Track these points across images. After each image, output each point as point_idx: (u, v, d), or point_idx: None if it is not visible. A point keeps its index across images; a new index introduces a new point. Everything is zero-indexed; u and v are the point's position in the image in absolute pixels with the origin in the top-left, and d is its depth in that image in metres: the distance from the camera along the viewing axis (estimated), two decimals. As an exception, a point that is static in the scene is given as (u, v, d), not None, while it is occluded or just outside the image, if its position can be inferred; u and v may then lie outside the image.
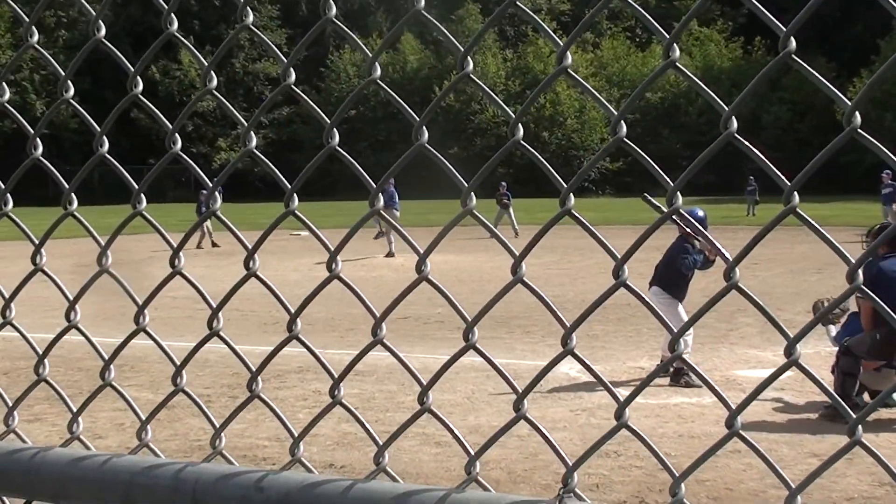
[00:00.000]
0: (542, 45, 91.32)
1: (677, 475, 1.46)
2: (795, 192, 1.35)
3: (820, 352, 13.09)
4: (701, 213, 13.63)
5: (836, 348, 11.34)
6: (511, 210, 40.84)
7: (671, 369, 13.00)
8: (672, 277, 13.25)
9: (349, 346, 15.32)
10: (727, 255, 1.50)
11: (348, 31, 1.77)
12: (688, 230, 12.68)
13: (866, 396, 11.35)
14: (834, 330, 11.85)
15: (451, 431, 1.67)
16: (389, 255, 30.11)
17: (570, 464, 1.50)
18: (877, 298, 1.39)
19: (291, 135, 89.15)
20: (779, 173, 1.39)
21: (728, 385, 12.55)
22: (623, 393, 11.89)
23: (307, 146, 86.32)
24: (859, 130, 1.32)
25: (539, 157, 1.59)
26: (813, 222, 1.37)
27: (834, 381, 10.89)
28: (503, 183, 42.51)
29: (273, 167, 1.91)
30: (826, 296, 12.39)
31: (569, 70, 1.52)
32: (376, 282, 23.98)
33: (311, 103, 1.91)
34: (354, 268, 26.38)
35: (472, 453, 1.64)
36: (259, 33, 1.89)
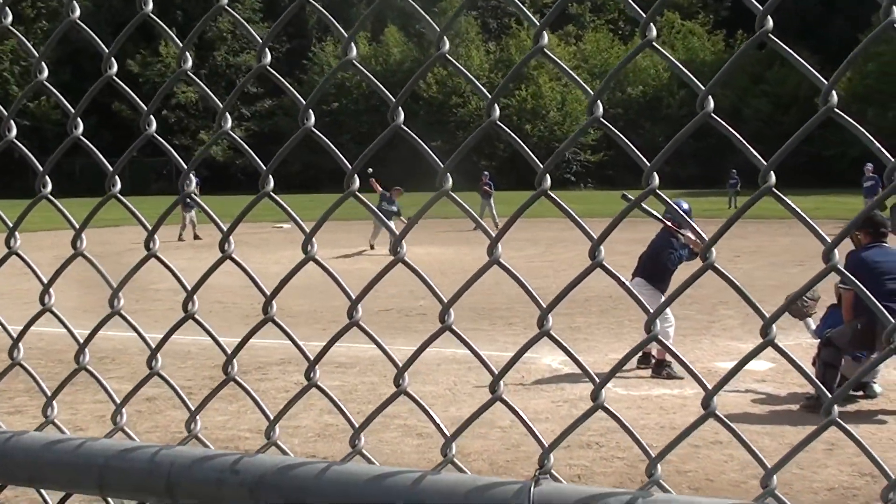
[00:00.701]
0: (525, 38, 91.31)
1: (653, 456, 1.46)
2: (772, 172, 1.35)
3: (801, 343, 13.12)
4: (685, 206, 13.63)
5: (817, 340, 11.37)
6: (492, 201, 40.75)
7: (653, 361, 13.06)
8: (656, 270, 13.25)
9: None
10: (704, 236, 1.49)
11: (324, 12, 1.76)
12: (670, 224, 12.69)
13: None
14: (813, 323, 11.87)
15: (427, 414, 1.66)
16: (371, 247, 30.02)
17: (546, 445, 1.50)
18: (859, 284, 1.39)
19: (273, 127, 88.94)
20: (754, 152, 1.38)
21: (710, 377, 12.42)
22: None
23: (289, 138, 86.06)
24: (836, 110, 1.31)
25: (514, 136, 1.58)
26: (789, 202, 1.37)
27: (815, 373, 10.91)
28: (485, 173, 42.54)
29: (248, 149, 1.89)
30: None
31: (545, 50, 1.51)
32: (359, 273, 23.95)
33: (286, 83, 1.89)
34: (336, 261, 26.35)
35: (448, 435, 1.63)
36: (233, 13, 1.87)
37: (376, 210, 1.78)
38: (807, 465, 8.73)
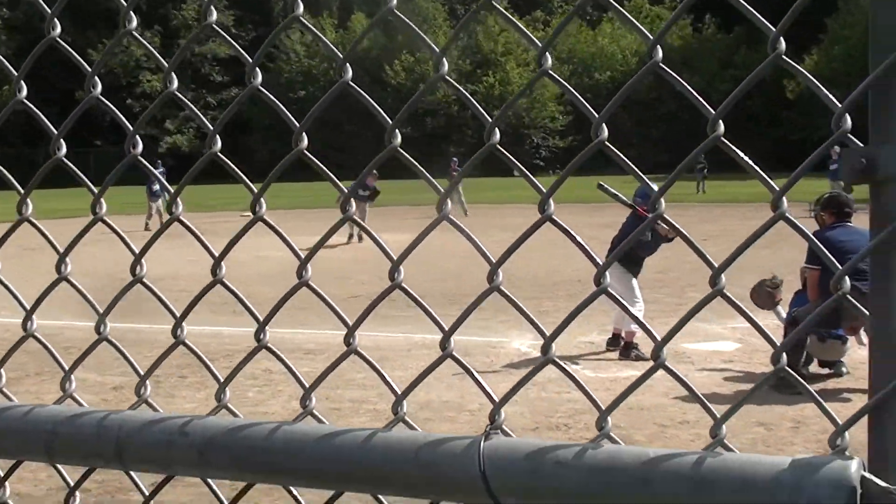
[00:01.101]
0: (493, 24, 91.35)
1: (603, 409, 1.45)
2: (720, 122, 1.34)
3: (768, 324, 13.17)
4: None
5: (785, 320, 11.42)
6: (460, 188, 40.77)
7: (621, 343, 13.14)
8: (629, 253, 13.29)
9: (299, 325, 15.26)
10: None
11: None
12: (642, 210, 12.68)
13: (813, 367, 11.47)
14: (783, 311, 11.90)
15: (378, 373, 1.65)
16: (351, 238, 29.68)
17: (497, 400, 1.49)
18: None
19: (239, 114, 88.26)
20: (700, 99, 1.37)
21: (677, 358, 12.61)
22: (573, 368, 11.88)
23: (257, 127, 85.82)
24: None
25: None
26: (738, 151, 1.36)
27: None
28: (454, 159, 42.61)
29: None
30: (773, 273, 12.41)
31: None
32: (330, 261, 23.93)
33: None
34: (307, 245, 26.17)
35: (399, 392, 1.62)
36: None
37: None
38: (773, 442, 8.79)
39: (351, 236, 29.22)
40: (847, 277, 1.30)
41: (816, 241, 1.37)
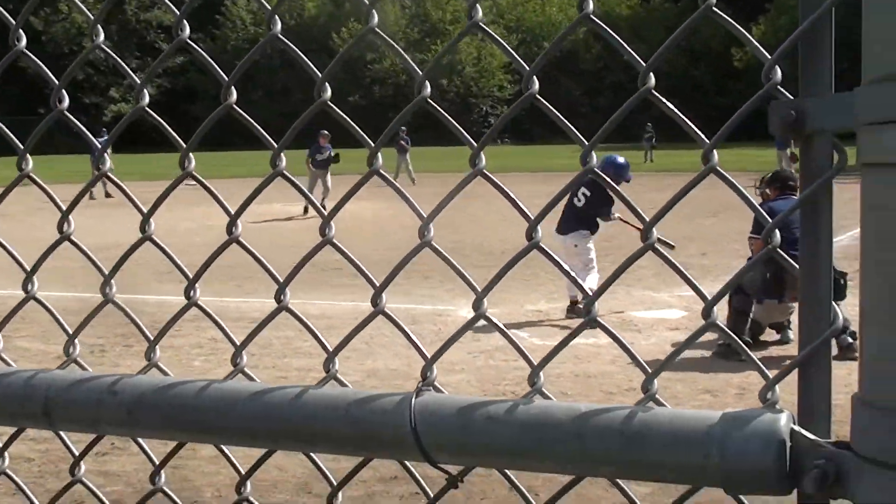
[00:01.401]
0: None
1: (535, 364, 1.45)
2: (651, 74, 1.33)
3: (712, 293, 13.26)
4: (621, 160, 13.79)
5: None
6: (408, 156, 40.72)
7: (569, 303, 13.32)
8: (592, 217, 13.52)
9: (246, 295, 15.20)
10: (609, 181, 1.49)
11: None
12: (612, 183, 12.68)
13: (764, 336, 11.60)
14: None
15: (310, 330, 1.64)
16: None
17: (429, 357, 1.48)
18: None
19: (186, 84, 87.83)
20: (634, 54, 1.37)
21: (625, 326, 12.70)
22: (520, 335, 11.92)
23: (202, 96, 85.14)
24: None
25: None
26: (668, 104, 1.36)
27: (727, 319, 11.08)
28: (402, 128, 42.47)
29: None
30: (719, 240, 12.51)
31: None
32: (273, 230, 23.88)
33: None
34: (253, 218, 26.11)
35: (331, 350, 1.61)
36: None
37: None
38: (718, 408, 8.78)
39: (306, 209, 28.66)
40: (778, 233, 1.31)
41: (748, 197, 1.37)
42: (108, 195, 35.50)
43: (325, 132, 29.65)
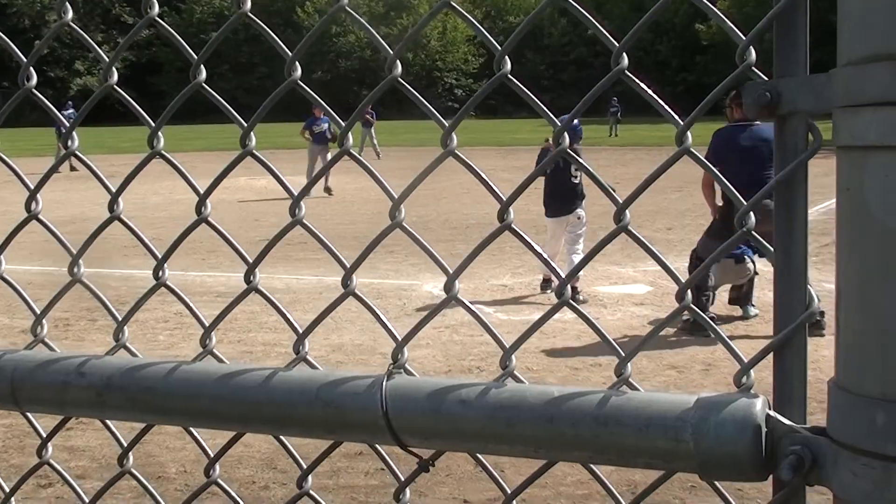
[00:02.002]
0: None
1: (507, 347, 1.44)
2: (624, 54, 1.32)
3: (679, 268, 13.34)
4: (574, 122, 13.70)
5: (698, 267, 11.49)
6: (373, 130, 40.58)
7: (542, 280, 13.31)
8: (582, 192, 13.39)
9: (210, 269, 15.16)
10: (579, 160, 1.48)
11: None
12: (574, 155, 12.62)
13: (721, 309, 11.63)
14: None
15: (279, 310, 1.62)
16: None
17: (400, 339, 1.47)
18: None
19: (151, 57, 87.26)
20: (606, 33, 1.36)
21: (591, 302, 12.72)
22: (485, 311, 11.93)
23: (167, 68, 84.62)
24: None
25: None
26: (642, 85, 1.35)
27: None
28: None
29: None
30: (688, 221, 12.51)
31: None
32: (238, 205, 23.77)
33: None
34: (219, 192, 25.87)
35: (301, 331, 1.60)
36: None
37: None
38: (684, 385, 8.91)
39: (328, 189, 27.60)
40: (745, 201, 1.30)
41: (721, 178, 1.37)
42: (72, 168, 35.19)
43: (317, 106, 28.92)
